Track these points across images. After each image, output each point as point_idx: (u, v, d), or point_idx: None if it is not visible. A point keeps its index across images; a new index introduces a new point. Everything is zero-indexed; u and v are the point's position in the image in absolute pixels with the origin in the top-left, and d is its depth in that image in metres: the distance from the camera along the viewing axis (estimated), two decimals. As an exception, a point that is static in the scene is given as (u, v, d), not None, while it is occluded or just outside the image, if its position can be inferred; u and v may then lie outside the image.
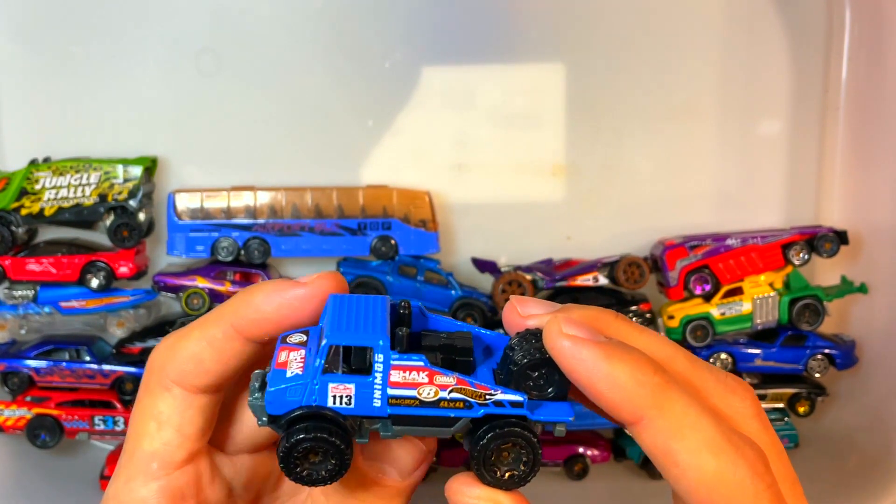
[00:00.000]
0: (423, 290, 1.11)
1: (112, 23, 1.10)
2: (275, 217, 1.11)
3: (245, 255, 1.11)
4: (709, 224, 1.17)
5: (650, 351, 0.40)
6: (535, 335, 0.40)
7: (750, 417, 0.40)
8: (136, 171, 1.07)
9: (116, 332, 1.11)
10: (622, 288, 1.13)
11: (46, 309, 1.10)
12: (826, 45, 1.15)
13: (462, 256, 1.16)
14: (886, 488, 1.01)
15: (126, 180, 1.07)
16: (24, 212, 1.06)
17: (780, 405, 1.14)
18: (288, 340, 0.42)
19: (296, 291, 0.43)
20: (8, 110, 1.11)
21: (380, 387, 0.39)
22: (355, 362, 0.40)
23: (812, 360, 1.12)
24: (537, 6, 1.13)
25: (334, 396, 0.40)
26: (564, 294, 1.13)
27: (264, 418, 0.40)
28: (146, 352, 1.09)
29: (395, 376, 0.39)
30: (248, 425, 0.46)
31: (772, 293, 1.12)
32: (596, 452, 1.13)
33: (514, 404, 0.40)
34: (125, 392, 1.09)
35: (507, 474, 0.40)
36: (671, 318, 1.12)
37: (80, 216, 1.08)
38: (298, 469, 0.40)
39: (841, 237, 1.12)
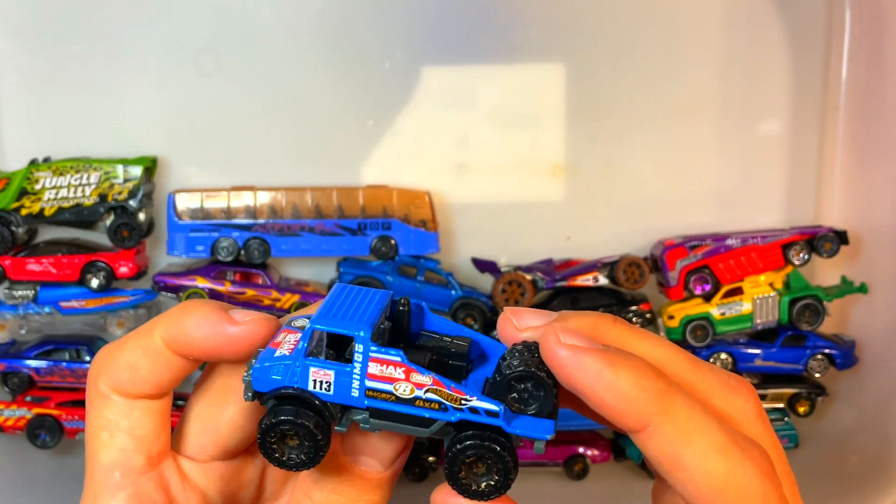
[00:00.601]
0: (423, 290, 1.11)
1: (112, 23, 1.10)
2: (275, 217, 1.11)
3: (245, 255, 1.11)
4: (709, 224, 1.17)
5: (651, 354, 0.39)
6: (529, 347, 0.40)
7: (753, 418, 0.40)
8: (136, 171, 1.07)
9: (116, 332, 1.11)
10: (622, 288, 1.13)
11: (46, 309, 1.10)
12: (826, 45, 1.14)
13: (462, 256, 1.16)
14: (886, 488, 1.01)
15: (126, 180, 1.07)
16: (24, 212, 1.06)
17: (780, 405, 1.14)
18: (293, 324, 0.43)
19: (226, 328, 0.42)
20: (8, 110, 1.11)
21: (358, 377, 0.39)
22: (341, 351, 0.40)
23: (812, 360, 1.12)
24: (537, 6, 1.13)
25: (315, 381, 0.40)
26: (564, 294, 1.13)
27: (249, 393, 0.40)
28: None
29: (373, 368, 0.39)
30: (214, 432, 0.45)
31: (772, 293, 1.12)
32: (596, 452, 1.13)
33: (489, 413, 0.39)
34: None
35: (483, 485, 0.39)
36: (671, 318, 1.12)
37: (80, 216, 1.08)
38: (274, 449, 0.40)
39: (841, 237, 1.12)
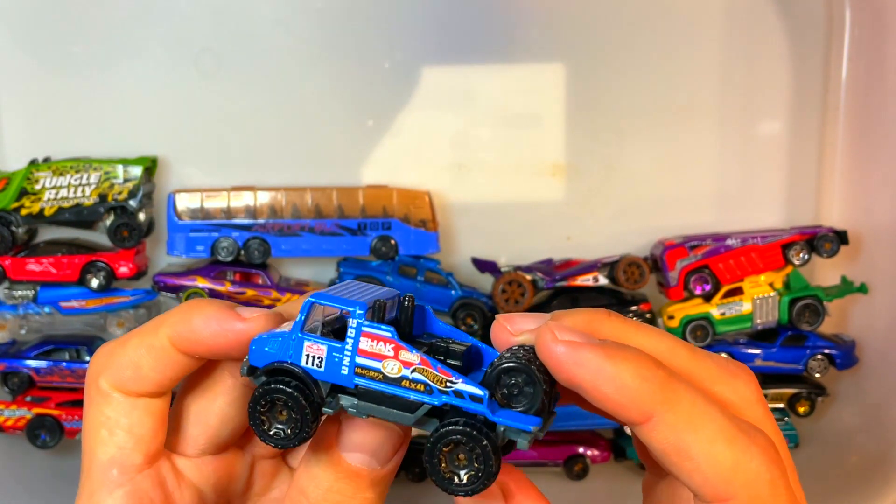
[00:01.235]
0: (423, 290, 1.11)
1: (112, 23, 1.10)
2: (275, 217, 1.11)
3: (245, 255, 1.11)
4: (709, 224, 1.17)
5: (649, 346, 0.39)
6: (524, 348, 0.39)
7: (754, 402, 0.40)
8: (136, 171, 1.07)
9: (116, 333, 1.11)
10: (622, 288, 1.13)
11: (46, 309, 1.10)
12: (826, 45, 1.14)
13: (462, 256, 1.16)
14: (886, 488, 1.01)
15: (126, 180, 1.07)
16: (24, 212, 1.06)
17: (780, 405, 1.14)
18: None
19: (234, 325, 0.42)
20: (8, 110, 1.11)
21: (349, 353, 0.39)
22: (339, 332, 0.40)
23: (812, 360, 1.12)
24: (537, 6, 1.13)
25: (307, 356, 0.40)
26: (564, 294, 1.13)
27: (245, 368, 0.41)
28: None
29: (364, 344, 0.39)
30: (206, 425, 0.45)
31: (772, 293, 1.12)
32: (596, 452, 1.13)
33: (473, 398, 0.38)
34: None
35: (465, 477, 0.38)
36: (671, 318, 1.12)
37: (80, 216, 1.08)
38: (262, 421, 0.40)
39: (841, 237, 1.12)
